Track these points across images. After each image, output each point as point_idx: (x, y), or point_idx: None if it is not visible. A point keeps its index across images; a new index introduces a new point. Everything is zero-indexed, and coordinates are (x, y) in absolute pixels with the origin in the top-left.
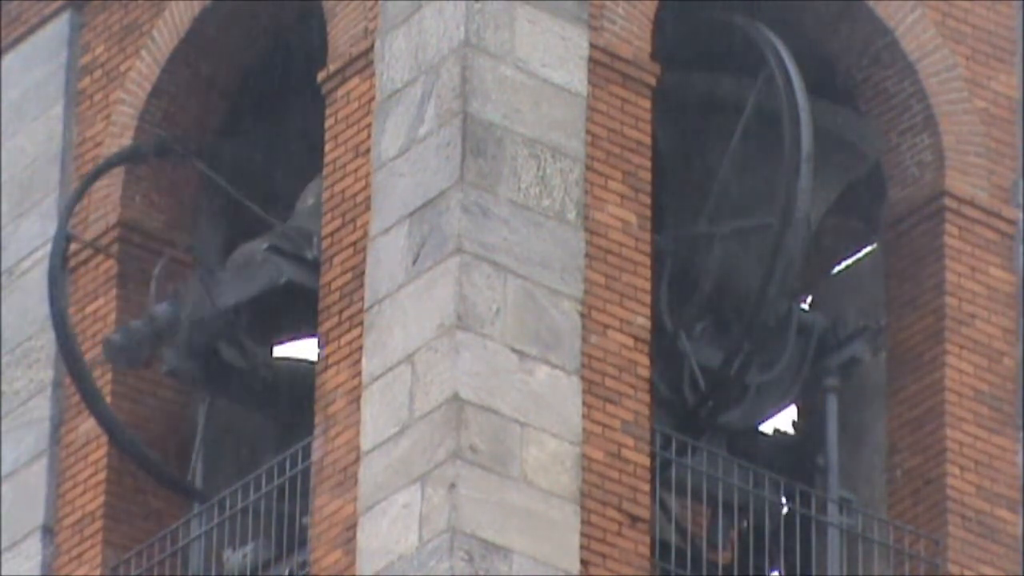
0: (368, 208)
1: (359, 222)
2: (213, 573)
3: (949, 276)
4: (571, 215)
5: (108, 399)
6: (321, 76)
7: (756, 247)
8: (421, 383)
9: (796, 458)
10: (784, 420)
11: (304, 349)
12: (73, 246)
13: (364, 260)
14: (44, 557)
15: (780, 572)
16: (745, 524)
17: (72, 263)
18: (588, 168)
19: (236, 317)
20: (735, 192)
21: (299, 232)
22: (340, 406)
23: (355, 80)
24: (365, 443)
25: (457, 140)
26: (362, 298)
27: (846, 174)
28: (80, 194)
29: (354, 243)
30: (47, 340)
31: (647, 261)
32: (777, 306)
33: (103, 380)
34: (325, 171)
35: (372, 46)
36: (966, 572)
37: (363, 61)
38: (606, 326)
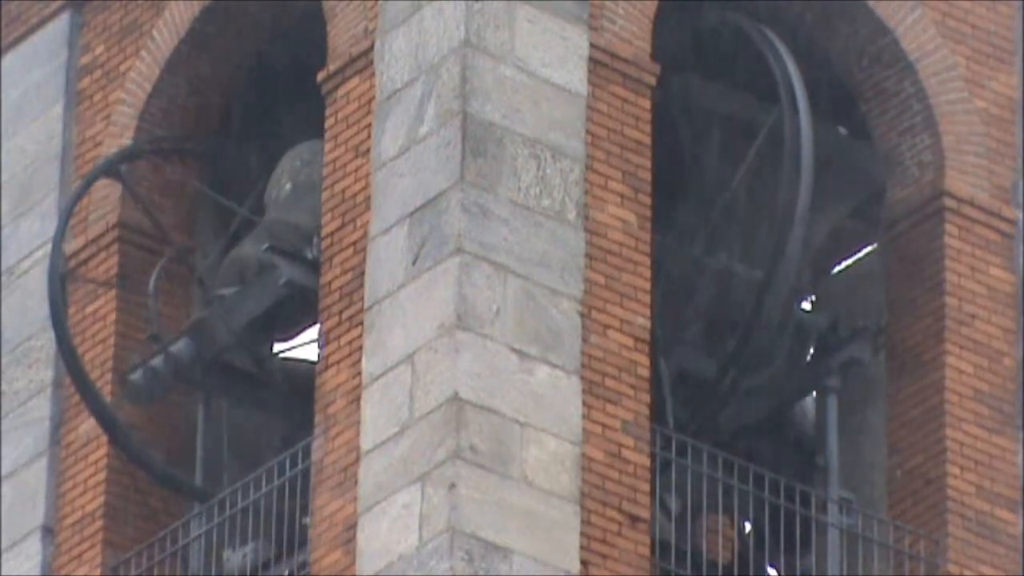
0: (368, 208)
1: (359, 222)
2: (213, 573)
3: (949, 276)
4: (571, 215)
5: (108, 399)
6: (321, 76)
7: (746, 285)
8: (421, 383)
9: (796, 458)
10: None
11: (304, 349)
12: (73, 246)
13: (364, 260)
14: (44, 557)
15: (780, 572)
16: (745, 524)
17: (72, 263)
18: (588, 168)
19: (247, 334)
20: (737, 215)
21: (284, 225)
22: (340, 406)
23: (355, 80)
24: (365, 443)
25: (457, 140)
26: (362, 298)
27: (851, 199)
28: (80, 194)
29: (354, 243)
30: (47, 340)
31: (647, 261)
32: (767, 335)
33: (103, 380)
34: (325, 171)
35: (372, 46)
36: (966, 572)
37: (363, 61)
38: (606, 326)
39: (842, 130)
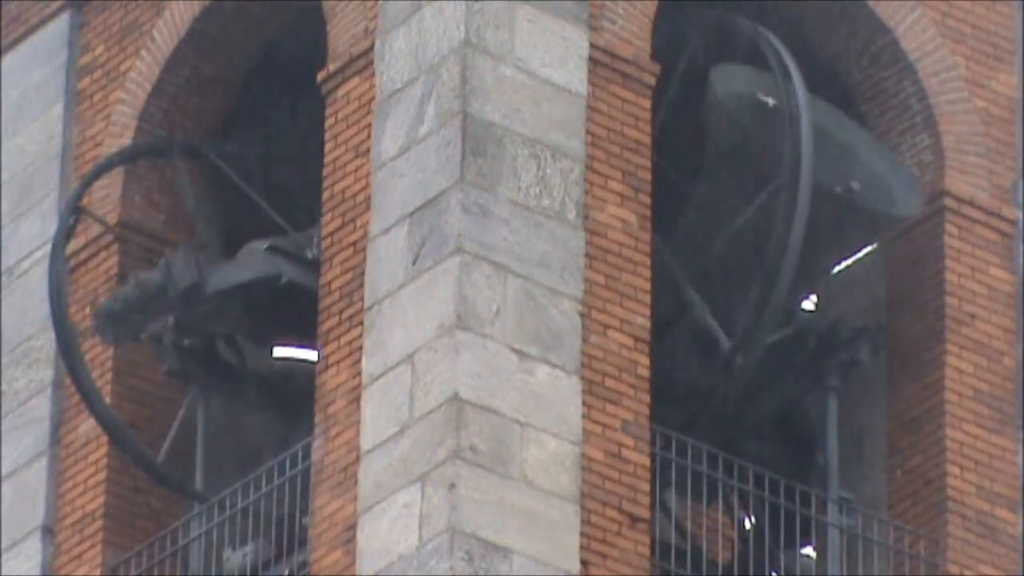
0: (368, 208)
1: (359, 222)
2: (213, 573)
3: (949, 276)
4: (571, 215)
5: (108, 399)
6: (321, 76)
7: (717, 346)
8: (421, 383)
9: (796, 458)
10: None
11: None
12: (73, 246)
13: (364, 260)
14: (44, 557)
15: (780, 572)
16: (745, 524)
17: (72, 263)
18: (588, 168)
19: (231, 307)
20: (729, 260)
21: (304, 237)
22: (340, 406)
23: (355, 80)
24: (365, 443)
25: (457, 140)
26: (362, 298)
27: (859, 236)
28: (80, 194)
29: (354, 243)
30: (47, 340)
31: (647, 261)
32: (760, 351)
33: (103, 380)
34: (325, 171)
35: (372, 46)
36: (966, 572)
37: (363, 61)
38: (606, 326)
39: (854, 185)
